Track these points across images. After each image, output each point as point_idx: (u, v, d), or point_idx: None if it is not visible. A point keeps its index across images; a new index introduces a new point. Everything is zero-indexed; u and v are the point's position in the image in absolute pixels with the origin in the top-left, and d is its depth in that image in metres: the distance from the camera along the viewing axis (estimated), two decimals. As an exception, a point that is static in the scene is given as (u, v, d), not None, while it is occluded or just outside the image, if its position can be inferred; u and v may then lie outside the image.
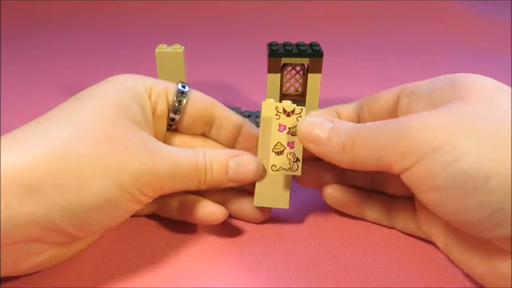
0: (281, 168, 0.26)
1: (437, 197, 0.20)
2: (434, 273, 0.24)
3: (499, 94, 0.21)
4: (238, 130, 0.28)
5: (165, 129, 0.28)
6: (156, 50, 0.34)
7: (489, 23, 0.74)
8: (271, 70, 0.34)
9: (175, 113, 0.27)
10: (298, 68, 0.34)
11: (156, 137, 0.26)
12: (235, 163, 0.25)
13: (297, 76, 0.35)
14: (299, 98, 0.35)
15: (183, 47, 0.35)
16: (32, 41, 0.68)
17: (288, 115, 0.26)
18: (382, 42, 0.71)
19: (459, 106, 0.21)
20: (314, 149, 0.24)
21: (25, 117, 0.43)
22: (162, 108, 0.26)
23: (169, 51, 0.34)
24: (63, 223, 0.20)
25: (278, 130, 0.26)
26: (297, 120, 0.26)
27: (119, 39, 0.71)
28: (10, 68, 0.57)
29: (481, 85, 0.22)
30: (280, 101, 0.27)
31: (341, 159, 0.23)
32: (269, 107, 0.26)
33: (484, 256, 0.21)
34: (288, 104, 0.26)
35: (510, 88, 0.22)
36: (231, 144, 0.29)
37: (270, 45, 0.33)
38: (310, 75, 0.33)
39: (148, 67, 0.54)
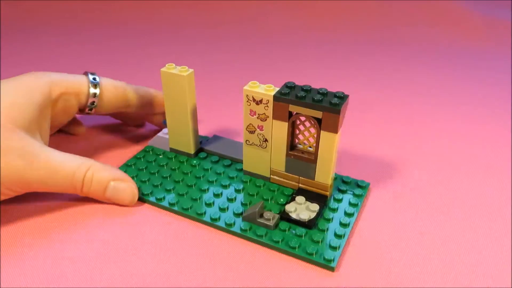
0: (253, 144, 0.29)
1: None
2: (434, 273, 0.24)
3: None
4: (152, 101, 0.35)
5: (75, 115, 0.33)
6: (162, 69, 0.30)
7: (489, 23, 0.73)
8: (276, 116, 0.27)
9: (92, 104, 0.31)
10: (313, 120, 0.27)
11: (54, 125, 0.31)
12: (114, 188, 0.27)
13: (312, 130, 0.28)
14: (310, 158, 0.28)
15: (191, 70, 0.30)
16: (32, 41, 0.68)
17: (257, 103, 0.27)
18: (381, 43, 0.68)
19: None
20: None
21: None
22: (71, 102, 0.30)
23: (174, 73, 0.30)
24: None
25: (250, 114, 0.28)
26: (265, 109, 0.27)
27: (120, 39, 0.68)
28: (10, 68, 0.57)
29: None
30: (289, 156, 0.28)
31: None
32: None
33: None
34: (257, 94, 0.27)
35: None
36: (150, 111, 0.35)
37: (285, 85, 0.27)
38: (322, 133, 0.26)
39: (148, 67, 0.55)
